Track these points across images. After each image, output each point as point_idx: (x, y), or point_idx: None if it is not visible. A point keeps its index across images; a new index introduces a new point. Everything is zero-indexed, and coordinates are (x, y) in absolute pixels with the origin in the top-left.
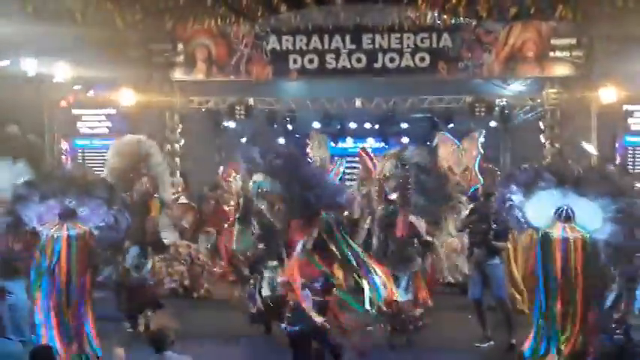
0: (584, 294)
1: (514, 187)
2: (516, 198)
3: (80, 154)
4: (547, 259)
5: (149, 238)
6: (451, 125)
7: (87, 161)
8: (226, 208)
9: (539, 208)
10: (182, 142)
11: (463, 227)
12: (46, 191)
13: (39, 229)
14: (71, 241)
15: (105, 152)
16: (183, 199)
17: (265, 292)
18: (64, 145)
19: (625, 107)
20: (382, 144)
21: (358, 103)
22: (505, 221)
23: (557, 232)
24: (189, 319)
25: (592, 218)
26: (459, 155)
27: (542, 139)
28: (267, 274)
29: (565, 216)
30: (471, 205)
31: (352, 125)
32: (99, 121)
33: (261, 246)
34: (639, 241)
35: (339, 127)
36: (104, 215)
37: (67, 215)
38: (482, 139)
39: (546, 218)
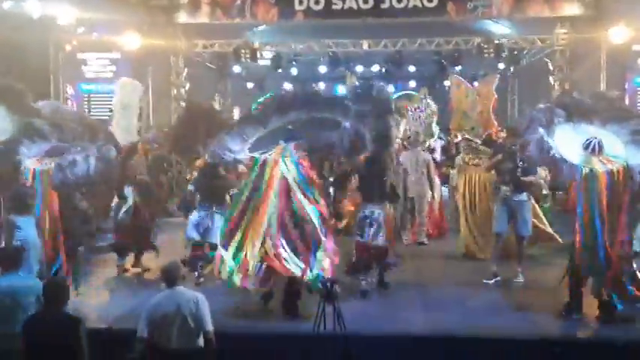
0: (624, 223)
1: (542, 130)
2: (550, 141)
3: (86, 99)
4: (593, 195)
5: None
6: (459, 68)
7: (92, 105)
8: None
9: (567, 146)
10: (187, 86)
11: (489, 168)
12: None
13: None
14: (36, 174)
15: (110, 96)
16: None
17: None
18: (70, 90)
19: (635, 47)
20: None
21: (365, 45)
22: (530, 158)
23: (599, 166)
24: None
25: (615, 145)
26: (473, 99)
27: (551, 80)
28: None
29: (598, 148)
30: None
31: (359, 69)
32: (104, 66)
33: None
34: None
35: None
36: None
37: (53, 153)
38: (497, 83)
39: (578, 154)
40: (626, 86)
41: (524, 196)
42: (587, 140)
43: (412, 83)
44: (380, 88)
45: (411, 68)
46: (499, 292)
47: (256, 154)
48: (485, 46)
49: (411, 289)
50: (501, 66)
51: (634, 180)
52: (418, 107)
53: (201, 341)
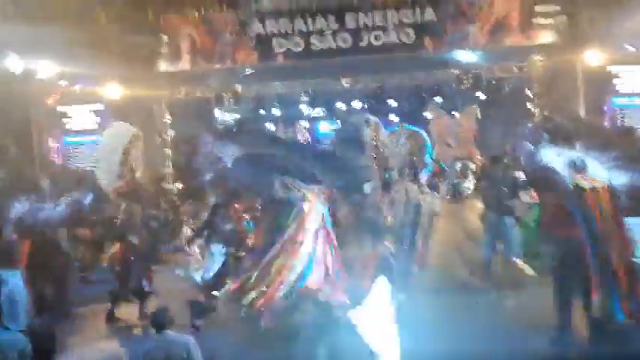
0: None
1: (530, 147)
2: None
3: (70, 151)
4: (584, 208)
5: None
6: (439, 99)
7: (78, 157)
8: None
9: (553, 162)
10: (172, 133)
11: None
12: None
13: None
14: None
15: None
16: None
17: None
18: (53, 143)
19: (611, 69)
20: None
21: (345, 82)
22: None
23: (583, 182)
24: None
25: (597, 168)
26: (455, 129)
27: (530, 107)
28: None
29: (580, 166)
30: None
31: (340, 105)
32: (87, 117)
33: None
34: None
35: (326, 109)
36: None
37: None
38: (478, 114)
39: (562, 171)
40: (605, 108)
41: (509, 218)
42: (570, 159)
43: (393, 117)
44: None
45: (392, 102)
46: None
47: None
48: (464, 77)
49: None
50: (480, 96)
51: (619, 200)
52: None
53: None
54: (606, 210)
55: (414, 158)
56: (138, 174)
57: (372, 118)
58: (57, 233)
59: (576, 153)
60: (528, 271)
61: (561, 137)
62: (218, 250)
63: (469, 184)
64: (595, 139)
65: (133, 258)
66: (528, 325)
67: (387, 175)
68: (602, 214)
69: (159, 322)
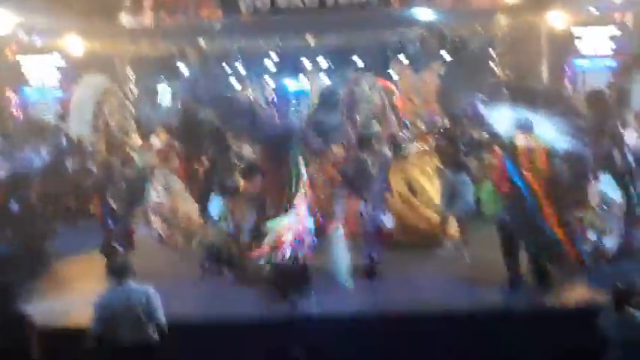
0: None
1: (479, 101)
2: (481, 108)
3: (31, 105)
4: (517, 166)
5: None
6: (403, 57)
7: (37, 111)
8: None
9: (500, 121)
10: (134, 89)
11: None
12: None
13: None
14: None
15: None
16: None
17: None
18: (13, 97)
19: (574, 30)
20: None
21: (310, 39)
22: (470, 139)
23: (521, 141)
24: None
25: (546, 131)
26: (418, 86)
27: (493, 67)
28: None
29: (525, 126)
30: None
31: (306, 63)
32: (49, 72)
33: None
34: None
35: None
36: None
37: None
38: (441, 71)
39: (507, 130)
40: (567, 69)
41: (464, 176)
42: (518, 118)
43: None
44: None
45: (357, 59)
46: (446, 267)
47: None
48: (428, 35)
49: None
50: (444, 54)
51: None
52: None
53: (154, 333)
54: (540, 170)
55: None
56: (112, 127)
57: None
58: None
59: (526, 113)
60: None
61: (524, 99)
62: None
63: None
64: (553, 102)
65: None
66: (480, 279)
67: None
68: (534, 172)
69: (118, 272)
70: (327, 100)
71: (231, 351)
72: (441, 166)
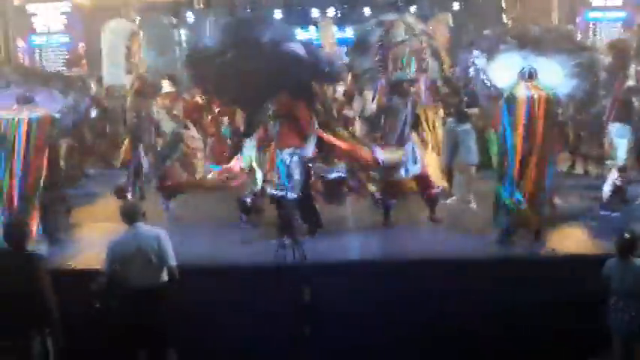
0: (542, 149)
1: (477, 52)
2: (480, 62)
3: (37, 52)
4: (512, 116)
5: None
6: (414, 8)
7: (44, 59)
8: None
9: (502, 71)
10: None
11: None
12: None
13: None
14: (32, 123)
15: (62, 49)
16: (166, 88)
17: None
18: (20, 43)
19: None
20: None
21: None
22: (472, 90)
23: (522, 90)
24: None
25: (554, 76)
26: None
27: (504, 18)
28: None
29: (528, 74)
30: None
31: (315, 13)
32: (55, 18)
33: None
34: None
35: (300, 14)
36: (61, 101)
37: (25, 100)
38: (450, 22)
39: (510, 79)
40: (578, 21)
41: (467, 125)
42: (522, 67)
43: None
44: None
45: (366, 10)
46: (449, 217)
47: None
48: None
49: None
50: (455, 5)
51: (556, 112)
52: None
53: (165, 276)
54: (538, 119)
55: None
56: (141, 70)
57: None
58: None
59: (539, 60)
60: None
61: (530, 44)
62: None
63: None
64: (564, 45)
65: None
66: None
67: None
68: (530, 122)
69: (130, 214)
70: (360, 42)
71: (238, 294)
72: (446, 117)
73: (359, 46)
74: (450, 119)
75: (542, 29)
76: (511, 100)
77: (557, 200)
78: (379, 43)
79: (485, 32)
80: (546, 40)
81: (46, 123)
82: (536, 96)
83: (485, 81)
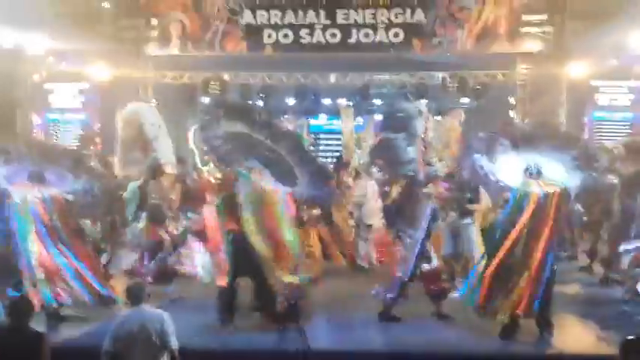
0: (547, 244)
1: (477, 155)
2: (484, 164)
3: (52, 128)
4: (515, 213)
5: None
6: (424, 101)
7: (59, 135)
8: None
9: (508, 171)
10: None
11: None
12: (12, 156)
13: (10, 189)
14: (46, 202)
15: (76, 127)
16: (169, 170)
17: None
18: (36, 120)
19: (593, 83)
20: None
21: (332, 78)
22: (476, 188)
23: (536, 189)
24: None
25: (555, 171)
26: (440, 131)
27: (512, 115)
28: None
29: (536, 173)
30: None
31: (326, 102)
32: (72, 96)
33: None
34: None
35: (312, 103)
36: (71, 182)
37: (36, 177)
38: (462, 117)
39: (517, 179)
40: (585, 120)
41: (468, 219)
42: (526, 166)
43: (378, 117)
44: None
45: (377, 102)
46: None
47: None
48: (449, 80)
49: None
50: (465, 100)
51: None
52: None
53: (166, 358)
54: (548, 214)
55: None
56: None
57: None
58: None
59: (536, 157)
60: None
61: (522, 141)
62: None
63: None
64: (556, 140)
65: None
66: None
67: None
68: (541, 218)
69: (135, 296)
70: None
71: None
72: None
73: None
74: (452, 213)
75: (533, 126)
76: (523, 198)
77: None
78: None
79: (480, 135)
80: (539, 136)
81: (59, 202)
82: (551, 192)
83: (499, 182)
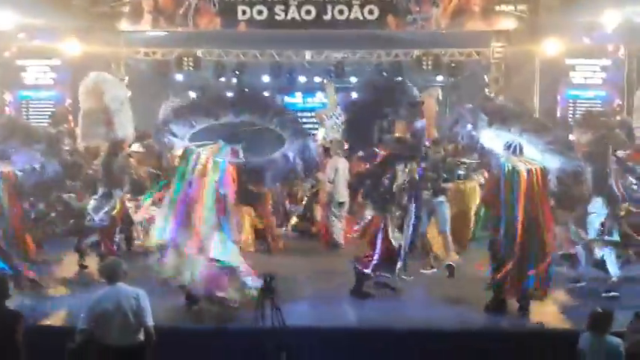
0: (544, 222)
1: (469, 125)
2: (474, 132)
3: (24, 105)
4: (512, 189)
5: (115, 180)
6: (399, 79)
7: (31, 113)
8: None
9: (491, 144)
10: (128, 94)
11: None
12: None
13: None
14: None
15: (49, 104)
16: (138, 148)
17: None
18: (8, 97)
19: (567, 61)
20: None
21: (308, 55)
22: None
23: (521, 166)
24: None
25: (531, 151)
26: None
27: (487, 92)
28: None
29: (518, 149)
30: None
31: (301, 79)
32: (44, 72)
33: None
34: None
35: (288, 81)
36: (30, 160)
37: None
38: (440, 96)
39: (500, 154)
40: (559, 98)
41: (442, 198)
42: (507, 142)
43: (354, 94)
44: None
45: (353, 79)
46: (431, 285)
47: (192, 145)
48: (424, 58)
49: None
50: (439, 78)
51: (549, 182)
52: (333, 115)
53: (141, 336)
54: (537, 192)
55: None
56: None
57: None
58: None
59: (513, 136)
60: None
61: (499, 120)
62: None
63: None
64: (531, 123)
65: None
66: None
67: None
68: (532, 196)
69: (111, 273)
70: None
71: (217, 355)
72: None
73: None
74: (427, 193)
75: (509, 107)
76: (513, 174)
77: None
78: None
79: (468, 106)
80: (515, 116)
81: (9, 179)
82: (533, 169)
83: (493, 151)
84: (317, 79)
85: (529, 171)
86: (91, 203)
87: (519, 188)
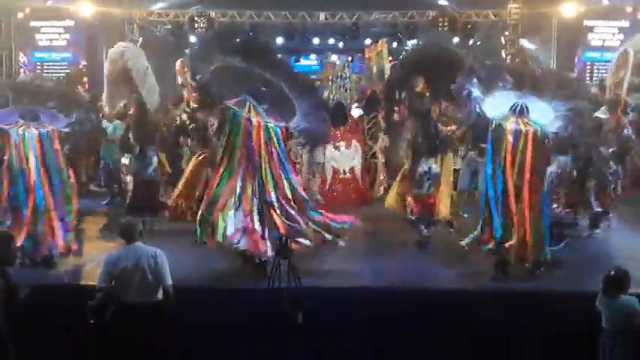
0: (531, 181)
1: (474, 81)
2: (475, 91)
3: (39, 67)
4: (497, 148)
5: (150, 138)
6: (415, 41)
7: (45, 74)
8: None
9: (495, 105)
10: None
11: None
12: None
13: (7, 128)
14: (43, 138)
15: (63, 65)
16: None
17: None
18: (22, 58)
19: (585, 23)
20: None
21: (322, 16)
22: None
23: (510, 124)
24: None
25: (544, 115)
26: None
27: (503, 54)
28: None
29: (519, 110)
30: None
31: (315, 41)
32: (58, 34)
33: None
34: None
35: (302, 42)
36: (64, 119)
37: (31, 116)
38: None
39: (501, 113)
40: (576, 60)
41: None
42: (514, 103)
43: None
44: None
45: (367, 41)
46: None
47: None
48: (440, 19)
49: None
50: (455, 39)
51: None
52: (340, 76)
53: (160, 295)
54: (524, 151)
55: None
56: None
57: None
58: None
59: (525, 99)
60: None
61: (529, 85)
62: None
63: None
64: (561, 90)
65: None
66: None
67: None
68: (515, 155)
69: (129, 233)
70: None
71: (233, 314)
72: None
73: None
74: (471, 153)
75: (544, 73)
76: (497, 132)
77: None
78: None
79: (487, 62)
80: (545, 83)
81: (56, 138)
82: (523, 130)
83: (476, 109)
84: (331, 41)
85: (517, 130)
86: (125, 162)
87: (504, 149)
